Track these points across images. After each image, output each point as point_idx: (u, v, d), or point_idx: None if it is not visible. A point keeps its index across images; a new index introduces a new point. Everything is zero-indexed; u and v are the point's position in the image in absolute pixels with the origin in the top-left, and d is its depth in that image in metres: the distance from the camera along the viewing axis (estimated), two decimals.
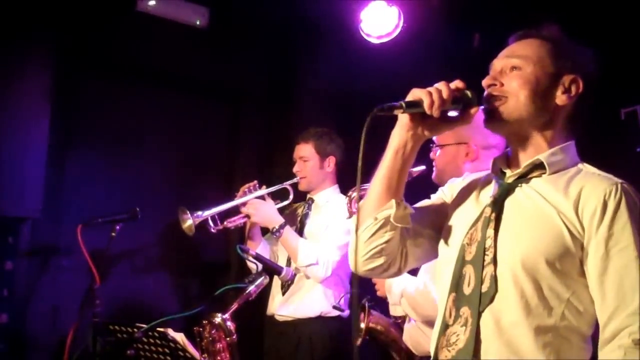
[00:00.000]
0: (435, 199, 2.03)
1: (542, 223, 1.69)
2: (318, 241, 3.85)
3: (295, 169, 4.03)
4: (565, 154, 1.79)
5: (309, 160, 4.01)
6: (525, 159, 1.81)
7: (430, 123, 1.77)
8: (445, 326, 1.76)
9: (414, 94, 1.74)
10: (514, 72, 1.80)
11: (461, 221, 1.85)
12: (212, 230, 3.85)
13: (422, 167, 3.05)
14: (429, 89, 1.72)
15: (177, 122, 4.81)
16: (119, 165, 4.52)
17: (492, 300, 1.68)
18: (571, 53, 1.83)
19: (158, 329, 2.92)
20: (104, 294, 3.61)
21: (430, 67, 4.54)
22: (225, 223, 3.88)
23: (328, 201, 4.02)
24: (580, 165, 1.80)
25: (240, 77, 5.01)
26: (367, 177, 1.85)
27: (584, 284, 1.68)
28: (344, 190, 4.02)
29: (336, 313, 3.80)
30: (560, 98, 1.79)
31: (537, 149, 1.80)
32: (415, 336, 3.02)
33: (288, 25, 4.98)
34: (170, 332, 2.96)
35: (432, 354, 1.80)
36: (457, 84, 1.76)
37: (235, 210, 3.90)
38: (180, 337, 2.98)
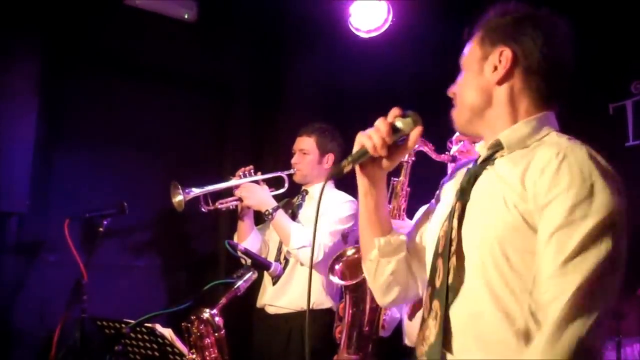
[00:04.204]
0: (426, 207, 2.04)
1: (494, 208, 1.64)
2: None
3: (293, 161, 4.02)
4: (529, 127, 1.72)
5: (308, 154, 4.00)
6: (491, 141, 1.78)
7: (384, 159, 1.83)
8: (423, 320, 1.76)
9: (358, 141, 1.80)
10: (460, 76, 1.84)
11: (439, 214, 1.85)
12: (203, 210, 3.85)
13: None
14: (368, 131, 1.78)
15: (166, 116, 4.79)
16: (106, 159, 4.51)
17: (457, 292, 1.66)
18: (499, 28, 1.77)
19: (146, 324, 2.91)
20: (92, 289, 3.60)
21: (419, 61, 4.54)
22: (217, 204, 3.87)
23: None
24: (546, 137, 1.71)
25: (229, 70, 5.00)
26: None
27: None
28: (338, 185, 4.03)
29: (328, 305, 3.81)
30: (493, 77, 1.74)
31: (501, 130, 1.75)
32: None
33: (277, 18, 4.97)
34: (158, 328, 2.95)
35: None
36: (393, 112, 1.80)
37: (228, 193, 3.89)
38: (168, 332, 2.97)
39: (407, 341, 3.21)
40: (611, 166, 1.60)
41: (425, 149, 3.23)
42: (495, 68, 1.74)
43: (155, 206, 4.52)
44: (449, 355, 1.65)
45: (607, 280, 1.51)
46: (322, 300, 3.81)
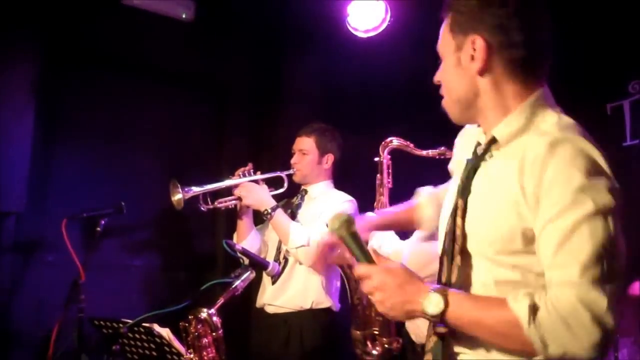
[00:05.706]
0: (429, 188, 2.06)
1: (494, 207, 1.62)
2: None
3: (293, 161, 4.02)
4: (522, 117, 1.65)
5: (308, 154, 3.99)
6: (488, 132, 1.73)
7: None
8: None
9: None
10: (441, 65, 1.79)
11: (446, 205, 1.84)
12: (202, 209, 3.84)
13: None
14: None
15: (163, 115, 4.79)
16: (104, 159, 4.51)
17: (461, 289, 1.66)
18: (466, 12, 1.68)
19: (144, 324, 2.91)
20: (89, 289, 3.59)
21: (417, 60, 4.54)
22: (215, 203, 3.87)
23: (321, 194, 4.02)
24: (539, 120, 1.65)
25: (227, 70, 5.00)
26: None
27: None
28: (338, 185, 4.04)
29: (327, 304, 3.80)
30: (472, 67, 1.67)
31: (495, 121, 1.69)
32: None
33: (275, 18, 4.97)
34: (156, 328, 2.95)
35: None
36: None
37: (227, 192, 3.89)
38: (166, 332, 2.97)
39: (414, 337, 3.22)
40: (605, 159, 1.55)
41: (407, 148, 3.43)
42: (473, 58, 1.66)
43: (153, 206, 4.52)
44: (455, 347, 1.68)
45: (608, 261, 1.48)
46: (321, 300, 3.81)
